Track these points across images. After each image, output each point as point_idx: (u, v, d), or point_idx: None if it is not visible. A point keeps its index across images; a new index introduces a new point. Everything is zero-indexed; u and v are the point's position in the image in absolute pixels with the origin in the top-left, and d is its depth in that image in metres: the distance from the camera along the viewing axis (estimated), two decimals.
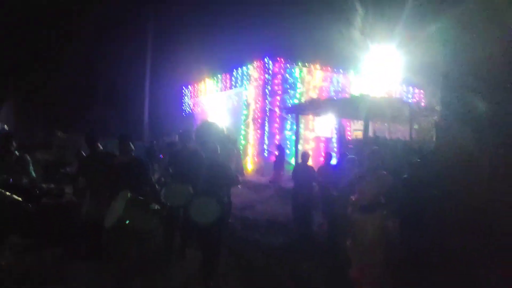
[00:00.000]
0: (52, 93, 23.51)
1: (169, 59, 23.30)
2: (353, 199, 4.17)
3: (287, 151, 14.30)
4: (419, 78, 15.95)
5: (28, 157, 4.82)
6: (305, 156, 6.62)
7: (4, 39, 20.00)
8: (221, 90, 17.67)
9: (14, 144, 4.70)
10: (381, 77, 16.19)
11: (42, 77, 22.79)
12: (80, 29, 23.50)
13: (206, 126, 4.59)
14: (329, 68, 15.74)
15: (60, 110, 23.56)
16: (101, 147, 4.90)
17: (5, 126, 18.94)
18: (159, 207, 4.13)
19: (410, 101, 17.35)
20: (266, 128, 14.33)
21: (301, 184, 6.15)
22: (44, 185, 5.40)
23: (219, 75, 17.88)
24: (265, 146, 14.09)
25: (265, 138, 14.25)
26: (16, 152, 4.73)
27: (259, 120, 14.67)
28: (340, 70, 16.03)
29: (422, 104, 16.91)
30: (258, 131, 14.52)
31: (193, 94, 20.94)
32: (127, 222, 3.57)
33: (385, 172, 4.14)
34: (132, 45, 23.02)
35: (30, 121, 21.20)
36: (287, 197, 9.26)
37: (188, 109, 21.46)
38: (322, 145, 15.01)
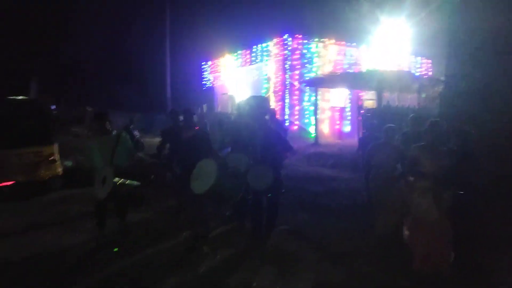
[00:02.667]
0: (74, 70, 24.86)
1: (189, 35, 24.34)
2: (411, 179, 3.79)
3: (306, 121, 15.84)
4: (427, 48, 17.05)
5: (125, 133, 4.72)
6: (389, 131, 4.75)
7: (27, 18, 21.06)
8: (241, 65, 18.91)
9: (109, 123, 4.54)
10: (391, 49, 17.27)
11: (64, 55, 24.05)
12: (101, 6, 24.51)
13: (256, 100, 5.60)
14: (343, 42, 16.83)
15: (83, 86, 24.96)
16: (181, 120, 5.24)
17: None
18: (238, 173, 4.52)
19: (418, 71, 18.49)
20: (287, 100, 15.75)
21: (381, 164, 4.68)
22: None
23: (239, 51, 19.04)
24: (286, 117, 15.55)
25: (286, 109, 15.70)
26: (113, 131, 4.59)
27: (279, 93, 16.07)
28: (353, 43, 17.10)
29: (430, 73, 18.11)
30: (279, 103, 15.95)
31: (213, 69, 22.15)
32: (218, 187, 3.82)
33: (444, 149, 3.74)
34: (152, 21, 23.98)
35: (56, 98, 22.53)
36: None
37: (209, 83, 22.75)
38: (337, 114, 16.44)
